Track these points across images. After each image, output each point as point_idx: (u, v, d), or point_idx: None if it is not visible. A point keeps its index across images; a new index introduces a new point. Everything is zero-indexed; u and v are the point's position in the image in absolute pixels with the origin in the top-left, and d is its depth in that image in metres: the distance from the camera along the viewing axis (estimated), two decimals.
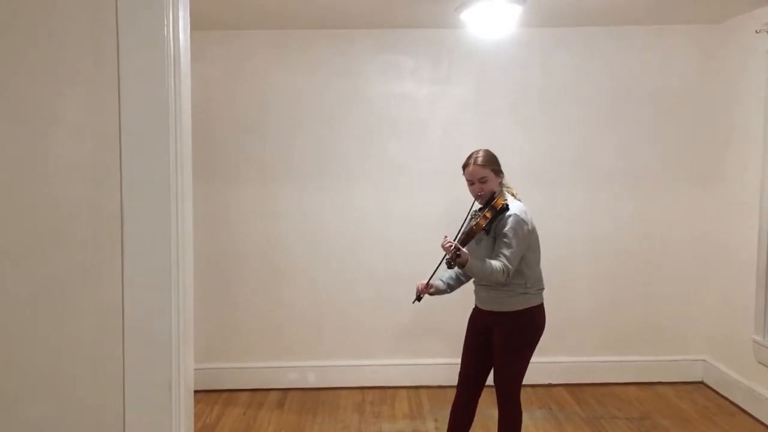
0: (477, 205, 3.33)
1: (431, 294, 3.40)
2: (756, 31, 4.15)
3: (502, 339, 3.27)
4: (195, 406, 2.48)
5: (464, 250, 3.03)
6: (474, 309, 3.46)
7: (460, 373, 3.46)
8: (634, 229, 4.87)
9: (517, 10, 3.85)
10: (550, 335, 4.83)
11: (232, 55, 4.74)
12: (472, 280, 3.41)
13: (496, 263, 3.08)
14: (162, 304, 1.95)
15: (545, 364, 4.84)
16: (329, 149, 4.80)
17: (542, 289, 3.32)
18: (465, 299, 3.52)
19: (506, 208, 3.16)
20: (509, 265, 3.10)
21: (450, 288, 3.44)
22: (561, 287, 4.88)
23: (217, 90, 4.74)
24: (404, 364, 4.89)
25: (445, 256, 3.12)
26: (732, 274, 4.62)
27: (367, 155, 4.81)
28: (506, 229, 3.13)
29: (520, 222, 3.16)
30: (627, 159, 4.83)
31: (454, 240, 3.09)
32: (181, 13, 1.98)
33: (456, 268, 3.24)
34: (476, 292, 3.41)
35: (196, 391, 2.43)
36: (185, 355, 2.06)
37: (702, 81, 4.76)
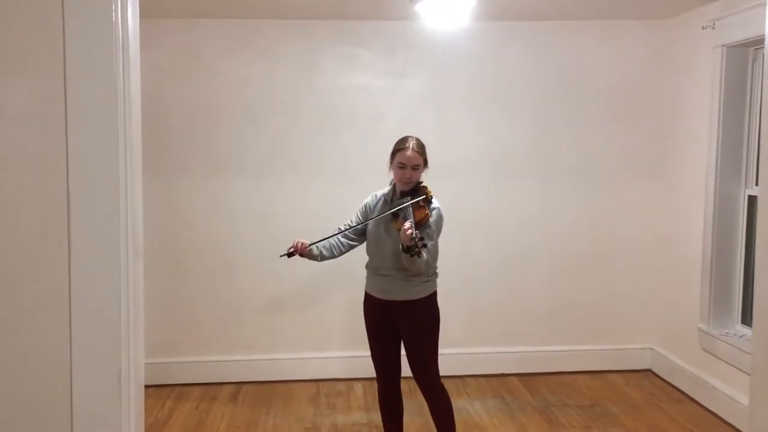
0: (379, 194, 3.40)
1: (302, 256, 3.35)
2: (702, 27, 4.25)
3: (414, 330, 3.30)
4: (146, 401, 2.43)
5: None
6: (368, 299, 3.43)
7: (377, 366, 3.46)
8: (584, 220, 4.95)
9: (471, 2, 3.87)
10: (503, 326, 4.95)
11: (187, 44, 4.65)
12: (367, 265, 3.39)
13: (424, 254, 3.10)
14: (111, 296, 1.91)
15: (498, 354, 4.90)
16: (284, 140, 4.76)
17: (437, 275, 3.38)
18: None
19: (431, 200, 3.24)
20: (429, 257, 3.16)
21: (322, 258, 3.40)
22: (515, 279, 4.95)
23: (170, 79, 4.65)
24: (359, 356, 4.86)
25: (347, 229, 3.34)
26: (678, 265, 4.73)
27: (323, 147, 4.78)
28: (431, 221, 3.19)
29: (441, 216, 3.27)
30: (579, 152, 4.90)
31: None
32: None
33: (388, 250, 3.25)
34: (374, 281, 3.37)
35: (147, 386, 2.39)
36: (135, 349, 2.02)
37: (651, 76, 4.86)
